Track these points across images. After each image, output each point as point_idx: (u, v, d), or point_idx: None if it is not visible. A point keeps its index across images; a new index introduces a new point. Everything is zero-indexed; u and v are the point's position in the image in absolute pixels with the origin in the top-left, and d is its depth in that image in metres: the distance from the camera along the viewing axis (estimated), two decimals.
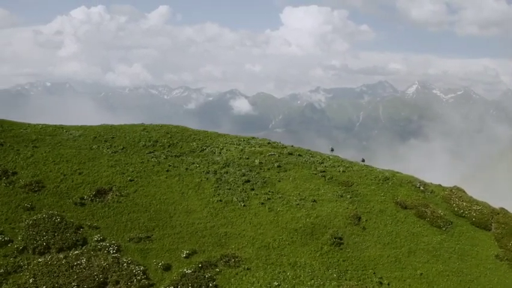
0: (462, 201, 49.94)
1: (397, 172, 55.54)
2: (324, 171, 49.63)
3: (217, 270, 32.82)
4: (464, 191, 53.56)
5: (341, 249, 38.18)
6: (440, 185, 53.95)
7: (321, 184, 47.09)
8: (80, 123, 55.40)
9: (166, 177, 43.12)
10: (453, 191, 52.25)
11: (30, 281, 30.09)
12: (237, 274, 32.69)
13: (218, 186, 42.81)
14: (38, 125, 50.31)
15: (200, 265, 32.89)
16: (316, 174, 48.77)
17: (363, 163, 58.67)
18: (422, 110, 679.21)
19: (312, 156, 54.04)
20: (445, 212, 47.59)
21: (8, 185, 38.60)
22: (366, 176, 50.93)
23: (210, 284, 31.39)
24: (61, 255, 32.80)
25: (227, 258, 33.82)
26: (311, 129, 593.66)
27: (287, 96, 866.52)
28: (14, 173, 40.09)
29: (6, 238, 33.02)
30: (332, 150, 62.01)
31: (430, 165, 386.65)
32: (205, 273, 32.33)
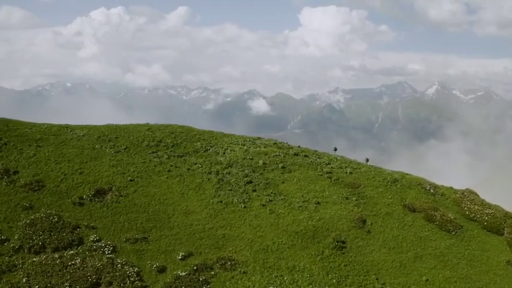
0: (474, 204, 48.05)
1: (407, 174, 53.90)
2: (330, 173, 48.42)
3: (213, 273, 32.11)
4: (476, 194, 51.60)
5: (343, 253, 36.99)
6: (451, 188, 52.12)
7: (326, 186, 45.92)
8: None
9: (167, 178, 42.65)
10: (465, 193, 50.36)
11: (24, 280, 29.99)
12: (232, 278, 31.91)
13: (219, 187, 42.13)
14: (43, 124, 50.55)
15: (195, 268, 32.28)
16: (321, 175, 47.60)
17: (367, 163, 57.31)
18: (442, 110, 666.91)
19: (318, 157, 52.87)
20: (455, 216, 45.86)
21: (8, 184, 38.72)
22: (373, 177, 49.51)
23: (205, 287, 30.66)
24: (56, 255, 32.64)
25: (223, 261, 33.08)
26: (329, 130, 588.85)
27: (305, 96, 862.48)
28: (16, 172, 40.21)
29: (3, 237, 33.08)
30: (335, 149, 60.56)
31: (450, 166, 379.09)
32: (200, 276, 31.67)
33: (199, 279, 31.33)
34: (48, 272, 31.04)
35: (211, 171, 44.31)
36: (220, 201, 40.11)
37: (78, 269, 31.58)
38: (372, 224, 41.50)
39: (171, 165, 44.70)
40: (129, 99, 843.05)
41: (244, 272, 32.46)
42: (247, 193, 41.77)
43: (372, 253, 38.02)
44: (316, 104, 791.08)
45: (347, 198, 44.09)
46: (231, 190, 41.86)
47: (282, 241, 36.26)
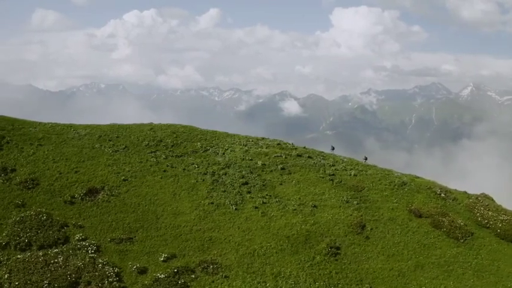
0: (488, 210, 44.89)
1: (418, 177, 51.20)
2: (333, 175, 46.52)
3: (193, 276, 31.21)
4: (492, 199, 48.28)
5: (336, 260, 35.17)
6: (465, 192, 49.04)
7: (326, 188, 44.08)
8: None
9: (161, 178, 42.08)
10: (479, 198, 47.19)
11: (6, 276, 30.16)
12: (213, 282, 30.86)
13: (213, 188, 41.17)
14: (48, 123, 51.20)
15: (176, 270, 31.50)
16: (323, 177, 45.78)
17: (365, 161, 55.13)
18: (477, 112, 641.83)
19: (323, 158, 50.98)
20: (466, 222, 42.98)
21: (5, 181, 39.17)
22: (379, 180, 47.20)
23: None
24: (40, 253, 32.73)
25: (206, 264, 32.10)
26: (362, 132, 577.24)
27: (338, 97, 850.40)
28: (13, 170, 40.66)
29: None
30: (333, 148, 58.29)
31: (482, 167, 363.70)
32: (180, 279, 30.87)
33: (178, 282, 30.54)
34: (30, 269, 31.12)
35: (207, 172, 43.40)
36: (212, 203, 39.11)
37: (60, 268, 31.45)
38: (371, 229, 39.38)
39: (167, 165, 44.12)
40: (162, 100, 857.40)
41: (226, 277, 31.33)
42: (241, 194, 40.59)
43: (369, 260, 35.98)
44: (349, 105, 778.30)
45: (347, 202, 42.11)
46: (224, 191, 40.79)
47: (271, 245, 34.85)
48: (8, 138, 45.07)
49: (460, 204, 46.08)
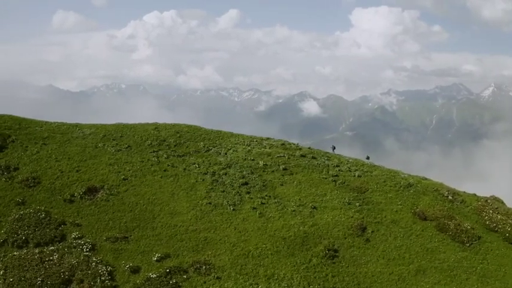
0: (497, 213, 43.27)
1: (426, 178, 49.81)
2: (336, 176, 45.66)
3: (185, 277, 31.04)
4: (502, 202, 46.56)
5: (334, 262, 34.41)
6: (474, 195, 47.45)
7: (329, 189, 43.26)
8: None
9: (161, 177, 42.07)
10: (488, 201, 45.54)
11: (1, 272, 30.78)
12: (204, 283, 30.60)
13: (212, 188, 40.90)
14: (54, 123, 51.86)
15: (168, 270, 31.36)
16: (326, 178, 44.96)
17: (367, 160, 54.02)
18: (499, 113, 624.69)
19: (328, 159, 50.10)
20: (473, 226, 41.53)
21: (7, 180, 39.75)
22: (384, 182, 46.08)
23: None
24: (36, 250, 33.24)
25: (198, 265, 31.86)
26: (382, 133, 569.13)
27: (358, 98, 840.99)
28: (16, 169, 41.25)
29: None
30: (334, 148, 57.22)
31: (505, 169, 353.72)
32: (172, 279, 30.76)
33: (169, 282, 30.46)
34: (25, 266, 31.68)
35: (207, 172, 43.17)
36: (210, 203, 38.86)
37: (55, 265, 31.89)
38: (372, 232, 38.42)
39: (168, 165, 44.07)
40: (182, 100, 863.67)
41: (218, 278, 31.01)
42: (240, 195, 40.19)
43: (368, 264, 35.09)
44: (369, 106, 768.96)
45: (349, 204, 41.22)
46: (223, 191, 40.47)
47: (266, 247, 34.34)
48: (14, 137, 45.78)
49: (468, 207, 44.59)
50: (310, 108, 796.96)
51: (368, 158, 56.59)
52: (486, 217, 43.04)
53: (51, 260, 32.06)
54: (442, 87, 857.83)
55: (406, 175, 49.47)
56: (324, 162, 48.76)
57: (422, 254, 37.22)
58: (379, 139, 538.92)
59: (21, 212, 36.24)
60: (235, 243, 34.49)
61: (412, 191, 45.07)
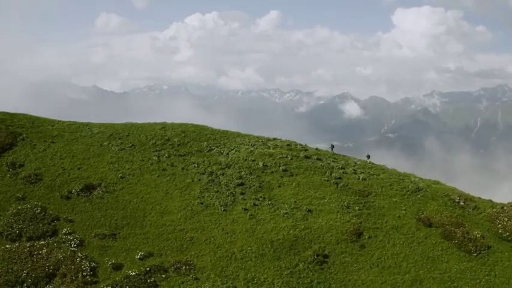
0: None
1: (437, 183, 47.04)
2: (339, 178, 44.01)
3: (164, 276, 30.87)
4: None
5: (322, 268, 33.03)
6: (490, 201, 44.27)
7: (329, 192, 41.73)
8: None
9: (158, 176, 42.16)
10: (505, 208, 42.32)
11: None
12: (182, 283, 30.28)
13: (207, 188, 40.52)
14: (66, 122, 53.34)
15: (148, 269, 31.23)
16: (328, 180, 43.40)
17: (368, 159, 51.76)
18: None
19: (334, 161, 48.40)
20: (484, 234, 38.74)
21: (12, 176, 41.16)
22: (391, 185, 43.93)
23: None
24: (27, 244, 34.27)
25: (179, 265, 31.63)
26: (425, 135, 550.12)
27: (400, 100, 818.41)
28: (21, 165, 42.61)
29: None
30: (332, 147, 55.07)
31: None
32: (150, 278, 30.69)
33: (147, 281, 30.46)
34: (14, 258, 32.75)
35: (205, 172, 42.84)
36: (202, 203, 38.49)
37: (42, 259, 32.76)
38: (369, 237, 36.61)
39: (167, 164, 44.14)
40: (223, 101, 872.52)
41: (196, 279, 30.58)
42: (234, 195, 39.55)
43: (359, 271, 33.42)
44: (411, 108, 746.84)
45: (348, 207, 39.53)
46: (217, 192, 39.98)
47: (252, 249, 33.49)
48: (24, 135, 47.36)
49: (480, 214, 41.67)
50: (351, 109, 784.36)
51: (368, 157, 54.49)
52: (499, 225, 40.02)
53: (39, 254, 32.92)
54: (487, 89, 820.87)
55: (417, 179, 46.97)
56: (329, 164, 47.14)
57: (421, 263, 35.04)
58: (421, 141, 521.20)
59: (19, 207, 37.45)
60: (220, 245, 33.88)
61: (419, 196, 42.69)
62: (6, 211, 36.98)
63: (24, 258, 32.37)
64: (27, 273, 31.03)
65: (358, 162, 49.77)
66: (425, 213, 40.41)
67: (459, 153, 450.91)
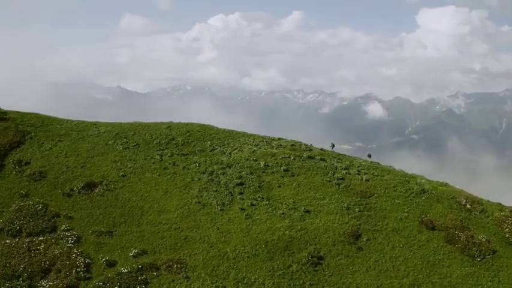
0: None
1: (445, 184, 45.64)
2: (342, 179, 43.26)
3: (155, 274, 31.00)
4: None
5: (316, 270, 32.51)
6: (499, 204, 42.64)
7: (330, 193, 41.07)
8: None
9: (159, 175, 42.39)
10: None
11: None
12: (173, 281, 30.35)
13: (206, 188, 40.49)
14: (74, 121, 54.25)
15: (140, 266, 31.44)
16: (330, 181, 42.73)
17: (369, 158, 50.75)
18: None
19: (338, 161, 47.59)
20: (490, 238, 37.43)
21: (17, 173, 42.12)
22: (395, 187, 42.90)
23: (138, 287, 29.61)
24: (27, 240, 34.98)
25: (171, 263, 31.78)
26: (449, 136, 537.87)
27: (425, 101, 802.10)
28: (27, 163, 43.55)
29: None
30: (333, 146, 53.98)
31: None
32: (142, 275, 30.98)
33: (138, 278, 30.64)
34: (13, 253, 33.62)
35: (205, 171, 42.84)
36: (199, 202, 38.49)
37: (39, 254, 33.57)
38: (368, 240, 35.81)
39: (169, 163, 44.36)
40: (247, 102, 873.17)
41: (186, 277, 30.59)
42: (232, 195, 39.40)
43: (354, 274, 32.73)
44: (436, 109, 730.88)
45: (348, 209, 38.79)
46: (216, 191, 39.90)
47: (245, 249, 33.23)
48: (33, 134, 48.41)
49: (488, 217, 40.24)
50: (375, 110, 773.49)
51: (369, 156, 53.48)
52: (507, 229, 38.53)
53: (37, 250, 33.67)
54: None
55: (423, 180, 45.68)
56: (333, 164, 46.41)
57: (421, 267, 34.06)
58: (445, 143, 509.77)
59: (22, 204, 38.25)
60: (214, 244, 33.78)
61: (424, 198, 41.54)
62: (9, 207, 37.85)
63: (23, 253, 33.12)
64: (23, 267, 31.75)
65: (364, 163, 48.78)
66: (428, 215, 39.29)
67: (484, 154, 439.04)
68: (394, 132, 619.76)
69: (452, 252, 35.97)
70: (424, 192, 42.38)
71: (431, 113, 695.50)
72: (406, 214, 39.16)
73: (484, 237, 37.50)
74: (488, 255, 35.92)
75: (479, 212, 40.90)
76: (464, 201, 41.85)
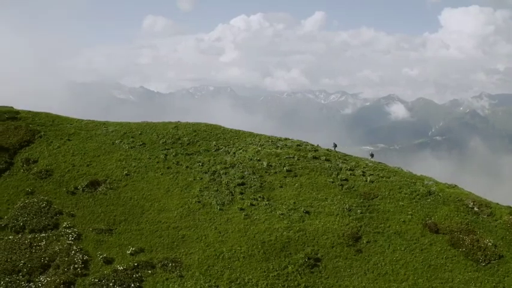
0: None
1: (453, 187, 44.44)
2: (345, 180, 42.68)
3: (150, 272, 31.17)
4: None
5: (312, 272, 32.10)
6: (509, 207, 41.26)
7: (332, 194, 40.55)
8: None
9: (162, 174, 42.67)
10: None
11: None
12: (167, 279, 30.49)
13: (207, 187, 40.55)
14: (84, 120, 54.96)
15: (136, 264, 31.72)
16: (333, 182, 42.19)
17: (371, 158, 49.94)
18: None
19: (343, 162, 46.96)
20: (497, 242, 36.27)
21: (25, 171, 43.07)
22: (400, 188, 42.06)
23: (133, 285, 30.21)
24: (29, 236, 35.62)
25: (167, 262, 32.00)
26: (473, 138, 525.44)
27: (448, 102, 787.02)
28: (35, 162, 44.48)
29: None
30: (335, 146, 53.04)
31: None
32: (137, 273, 31.24)
33: (133, 276, 30.93)
34: (14, 249, 34.32)
35: (208, 171, 42.94)
36: (199, 201, 38.56)
37: (40, 250, 34.19)
38: (368, 242, 35.19)
39: (173, 163, 44.61)
40: (268, 102, 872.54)
41: (180, 276, 30.69)
42: (232, 195, 39.36)
43: (352, 277, 32.17)
44: (459, 110, 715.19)
45: (349, 210, 38.22)
46: (217, 191, 39.92)
47: (241, 249, 33.09)
48: (43, 133, 49.41)
49: (496, 220, 39.00)
50: (398, 111, 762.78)
51: (372, 155, 52.55)
52: None
53: (38, 246, 34.31)
54: None
55: (431, 182, 44.64)
56: (338, 165, 45.82)
57: (422, 270, 33.24)
58: (469, 144, 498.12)
59: (27, 201, 39.00)
60: (211, 243, 33.77)
61: (429, 200, 40.58)
62: (14, 204, 38.67)
63: (24, 249, 33.79)
64: (24, 263, 32.39)
65: (370, 164, 48.00)
66: (433, 218, 38.36)
67: (508, 157, 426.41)
68: (417, 134, 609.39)
69: (455, 256, 34.99)
70: (430, 194, 41.41)
71: (455, 114, 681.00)
72: (409, 216, 38.32)
73: (490, 241, 36.36)
74: (494, 260, 34.79)
75: (487, 216, 39.69)
76: (472, 204, 40.69)
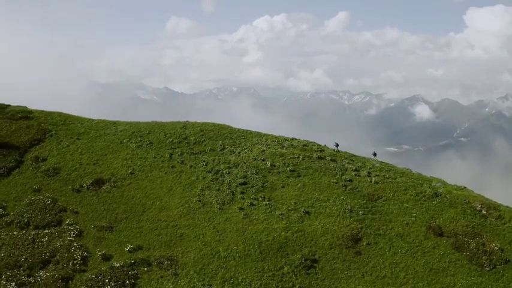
0: None
1: (461, 189, 43.15)
2: (349, 180, 42.05)
3: (146, 269, 31.50)
4: None
5: (308, 273, 31.75)
6: None
7: (335, 195, 40.03)
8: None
9: (165, 173, 43.07)
10: None
11: None
12: (161, 277, 30.75)
13: (209, 186, 40.67)
14: (94, 120, 55.97)
15: (133, 261, 32.14)
16: (337, 182, 41.66)
17: (374, 157, 49.69)
18: None
19: (349, 162, 46.28)
20: (504, 247, 35.05)
21: (33, 169, 44.24)
22: (405, 190, 41.16)
23: (128, 281, 30.53)
24: (33, 232, 36.44)
25: (163, 259, 32.36)
26: (498, 139, 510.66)
27: (473, 103, 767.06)
28: (44, 160, 45.60)
29: (4, 212, 38.62)
30: (337, 145, 52.03)
31: None
32: (133, 270, 31.64)
33: (129, 273, 31.35)
34: (18, 244, 35.28)
35: (211, 170, 43.07)
36: (199, 201, 38.73)
37: (42, 246, 35.06)
38: (368, 244, 34.56)
39: (177, 162, 44.96)
40: (292, 103, 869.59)
41: (175, 274, 30.89)
42: (233, 194, 39.36)
43: (349, 279, 31.65)
44: (485, 111, 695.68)
45: (351, 211, 37.63)
46: (218, 190, 39.99)
47: (237, 249, 33.03)
48: (53, 132, 50.59)
49: (505, 224, 37.69)
50: (423, 112, 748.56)
51: (375, 154, 51.55)
52: None
53: (41, 242, 35.17)
54: None
55: (439, 184, 43.52)
56: (343, 165, 45.19)
57: (422, 274, 32.41)
58: (494, 146, 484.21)
59: (33, 198, 39.95)
60: (208, 242, 33.84)
61: (435, 202, 39.55)
62: (21, 201, 39.68)
63: (27, 245, 34.68)
64: (25, 258, 33.27)
65: (377, 165, 47.15)
66: (438, 221, 37.36)
67: None
68: (442, 135, 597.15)
69: (459, 260, 33.98)
70: (436, 196, 40.37)
71: (480, 115, 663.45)
72: (413, 219, 37.46)
73: (497, 246, 35.15)
74: (500, 264, 33.60)
75: (495, 219, 38.40)
76: (480, 206, 39.45)
